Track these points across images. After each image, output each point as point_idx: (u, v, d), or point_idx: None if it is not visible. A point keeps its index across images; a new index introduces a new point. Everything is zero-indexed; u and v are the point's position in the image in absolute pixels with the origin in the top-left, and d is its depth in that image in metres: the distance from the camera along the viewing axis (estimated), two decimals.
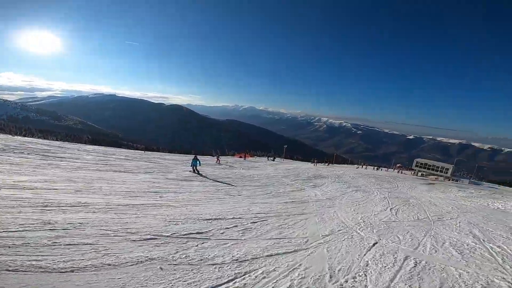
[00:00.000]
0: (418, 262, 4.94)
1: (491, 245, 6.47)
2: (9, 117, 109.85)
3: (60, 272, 3.32)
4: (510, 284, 4.44)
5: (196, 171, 14.10)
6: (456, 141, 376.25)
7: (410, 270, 4.59)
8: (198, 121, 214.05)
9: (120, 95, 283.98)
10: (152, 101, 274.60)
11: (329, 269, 4.35)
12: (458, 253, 5.70)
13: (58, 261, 3.53)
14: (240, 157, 33.07)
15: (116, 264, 3.70)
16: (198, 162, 14.37)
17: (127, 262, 3.78)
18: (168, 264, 3.91)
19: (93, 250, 3.97)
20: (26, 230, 4.24)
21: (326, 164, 35.53)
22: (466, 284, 4.30)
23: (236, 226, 6.02)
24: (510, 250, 6.16)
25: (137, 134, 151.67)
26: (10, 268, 3.21)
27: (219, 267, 4.02)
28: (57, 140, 28.18)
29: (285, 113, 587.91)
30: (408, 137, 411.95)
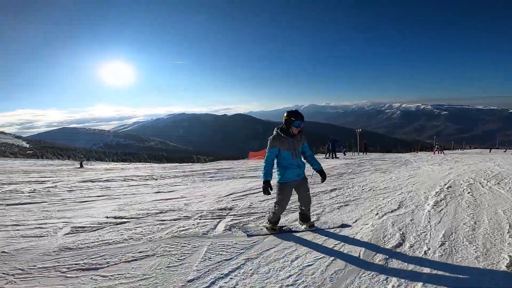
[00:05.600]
0: None
1: None
2: (105, 144, 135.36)
3: None
4: None
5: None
6: None
7: None
8: (263, 126, 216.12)
9: (189, 113, 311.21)
10: (217, 114, 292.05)
11: None
12: None
13: None
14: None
15: None
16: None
17: None
18: None
19: None
20: None
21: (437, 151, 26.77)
22: None
23: None
24: None
25: (209, 146, 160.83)
26: None
27: None
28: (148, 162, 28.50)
29: (350, 105, 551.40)
30: (510, 110, 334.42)
